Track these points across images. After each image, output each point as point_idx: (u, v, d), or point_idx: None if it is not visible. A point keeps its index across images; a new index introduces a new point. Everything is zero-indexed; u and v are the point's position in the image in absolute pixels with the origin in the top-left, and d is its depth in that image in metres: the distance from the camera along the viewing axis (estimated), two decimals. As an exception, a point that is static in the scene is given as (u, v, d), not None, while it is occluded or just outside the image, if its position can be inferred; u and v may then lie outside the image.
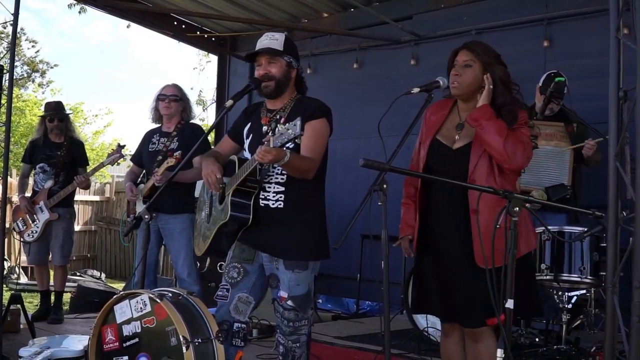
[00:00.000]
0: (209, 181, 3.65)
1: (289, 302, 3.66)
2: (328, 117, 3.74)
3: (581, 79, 5.87)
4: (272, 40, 3.76)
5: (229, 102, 3.79)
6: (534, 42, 6.62)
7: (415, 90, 3.43)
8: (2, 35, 20.12)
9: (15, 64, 21.31)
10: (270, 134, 3.26)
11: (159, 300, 3.51)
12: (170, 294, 3.66)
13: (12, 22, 4.97)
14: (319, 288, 7.55)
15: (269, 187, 3.69)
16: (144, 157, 5.80)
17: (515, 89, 3.50)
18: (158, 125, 5.89)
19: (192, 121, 5.98)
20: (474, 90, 3.47)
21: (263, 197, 3.68)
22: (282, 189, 3.67)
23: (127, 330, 3.64)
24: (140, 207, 5.61)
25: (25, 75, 21.74)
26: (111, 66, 47.03)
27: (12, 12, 4.89)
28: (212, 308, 3.87)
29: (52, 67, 22.67)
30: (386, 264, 3.02)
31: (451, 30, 7.18)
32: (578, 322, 5.01)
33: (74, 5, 10.23)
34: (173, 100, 5.73)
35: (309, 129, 3.61)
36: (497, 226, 2.78)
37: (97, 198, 13.21)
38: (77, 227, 12.18)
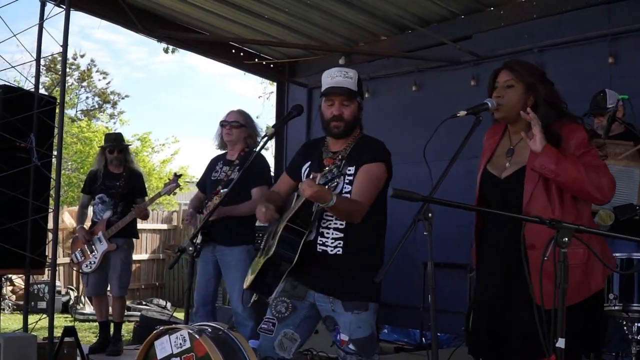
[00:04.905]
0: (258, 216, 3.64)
1: (351, 346, 3.48)
2: (386, 161, 3.60)
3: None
4: (346, 78, 3.59)
5: (271, 130, 3.76)
6: (598, 58, 6.31)
7: (462, 113, 3.22)
8: (73, 67, 20.71)
9: (87, 95, 22.00)
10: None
11: (197, 337, 3.42)
12: (209, 329, 3.56)
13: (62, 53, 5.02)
14: (383, 318, 7.36)
15: (327, 233, 3.54)
16: (207, 184, 5.72)
17: (563, 105, 3.24)
18: (224, 151, 5.80)
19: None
20: (519, 111, 3.22)
21: (321, 242, 3.54)
22: (341, 235, 3.52)
23: (167, 366, 3.54)
24: (198, 237, 5.54)
25: (97, 106, 22.30)
26: (178, 94, 48.00)
27: (62, 43, 4.93)
28: (255, 340, 3.75)
29: (122, 98, 23.23)
30: (433, 296, 2.82)
31: (512, 49, 6.90)
32: (650, 354, 4.71)
33: (169, 49, 9.81)
34: (235, 127, 5.58)
35: (363, 172, 3.50)
36: (545, 258, 2.53)
37: (164, 226, 13.33)
38: (145, 256, 12.35)
